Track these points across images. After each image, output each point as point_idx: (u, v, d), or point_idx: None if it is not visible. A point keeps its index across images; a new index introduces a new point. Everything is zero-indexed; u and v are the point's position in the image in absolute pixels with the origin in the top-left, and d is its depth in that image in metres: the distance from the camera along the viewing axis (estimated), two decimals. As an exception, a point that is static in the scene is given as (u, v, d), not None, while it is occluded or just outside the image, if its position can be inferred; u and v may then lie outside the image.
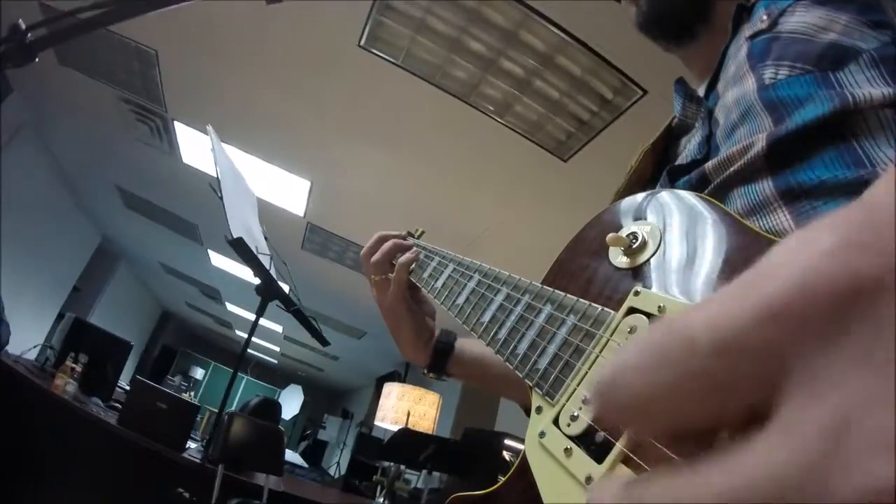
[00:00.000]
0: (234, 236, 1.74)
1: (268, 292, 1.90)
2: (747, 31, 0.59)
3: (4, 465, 2.32)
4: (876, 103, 0.45)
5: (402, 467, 3.68)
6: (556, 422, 0.42)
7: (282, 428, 3.04)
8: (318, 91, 2.94)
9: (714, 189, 0.53)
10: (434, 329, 0.86)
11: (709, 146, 0.59)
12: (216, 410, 2.58)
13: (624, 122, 2.43)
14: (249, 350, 2.19)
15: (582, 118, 2.52)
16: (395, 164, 3.38)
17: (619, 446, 0.34)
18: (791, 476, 0.13)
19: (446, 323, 0.85)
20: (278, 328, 8.20)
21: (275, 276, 2.06)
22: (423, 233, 0.91)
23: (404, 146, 3.17)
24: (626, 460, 0.33)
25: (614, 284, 0.46)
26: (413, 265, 0.82)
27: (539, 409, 0.45)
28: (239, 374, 2.14)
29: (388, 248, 0.85)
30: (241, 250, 1.79)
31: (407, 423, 3.69)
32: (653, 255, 0.44)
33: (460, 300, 0.67)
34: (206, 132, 1.92)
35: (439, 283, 0.74)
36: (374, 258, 0.85)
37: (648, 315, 0.40)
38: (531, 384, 0.47)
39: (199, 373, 11.86)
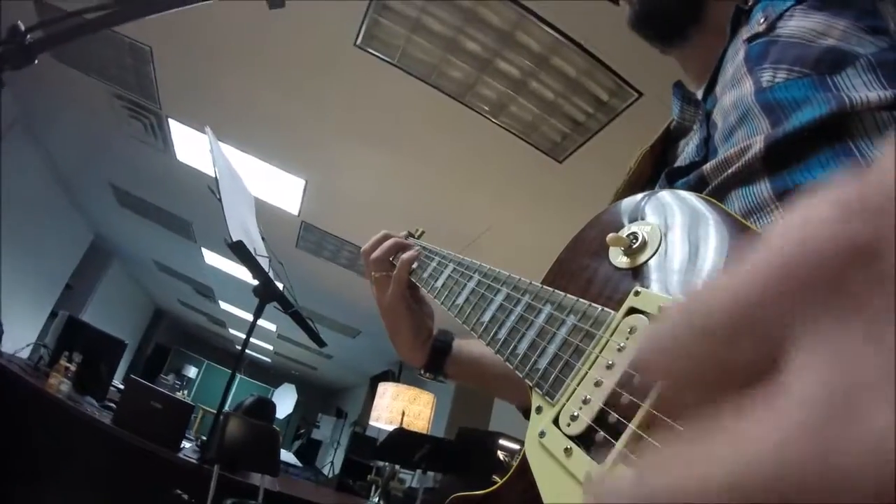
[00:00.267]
0: (234, 239, 1.72)
1: (266, 294, 1.88)
2: (745, 33, 0.59)
3: (-3, 465, 2.30)
4: (873, 106, 0.45)
5: (397, 467, 3.69)
6: (556, 422, 0.42)
7: (277, 428, 3.04)
8: (312, 89, 2.93)
9: (712, 191, 0.53)
10: (432, 329, 0.86)
11: (707, 148, 0.59)
12: (210, 409, 2.57)
13: (619, 123, 2.43)
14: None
15: (577, 119, 2.53)
16: (389, 163, 3.38)
17: (618, 447, 0.34)
18: (800, 438, 0.13)
19: (446, 323, 0.85)
20: (272, 327, 8.17)
21: (272, 276, 2.04)
22: (423, 233, 0.91)
23: (399, 145, 3.17)
24: (625, 461, 0.34)
25: (614, 284, 0.46)
26: (414, 264, 0.82)
27: (539, 409, 0.45)
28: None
29: (388, 246, 0.86)
30: (240, 253, 1.77)
31: (402, 423, 3.69)
32: (653, 255, 0.44)
33: (460, 300, 0.67)
34: (200, 129, 1.91)
35: (439, 283, 0.74)
36: (374, 255, 0.85)
37: (648, 315, 0.40)
38: (531, 384, 0.47)
39: (192, 371, 11.85)
